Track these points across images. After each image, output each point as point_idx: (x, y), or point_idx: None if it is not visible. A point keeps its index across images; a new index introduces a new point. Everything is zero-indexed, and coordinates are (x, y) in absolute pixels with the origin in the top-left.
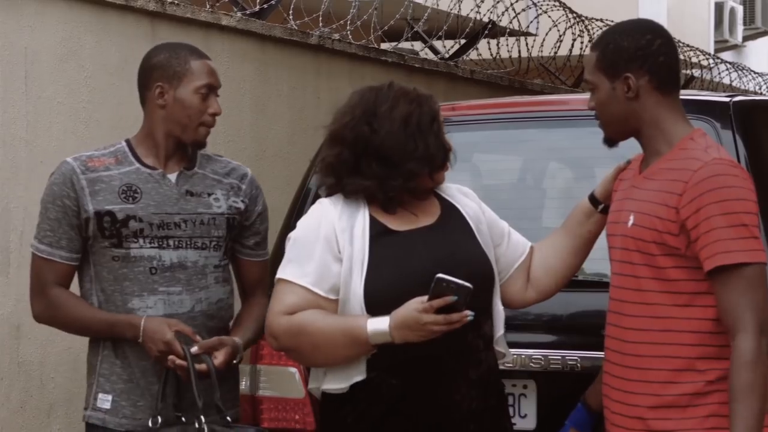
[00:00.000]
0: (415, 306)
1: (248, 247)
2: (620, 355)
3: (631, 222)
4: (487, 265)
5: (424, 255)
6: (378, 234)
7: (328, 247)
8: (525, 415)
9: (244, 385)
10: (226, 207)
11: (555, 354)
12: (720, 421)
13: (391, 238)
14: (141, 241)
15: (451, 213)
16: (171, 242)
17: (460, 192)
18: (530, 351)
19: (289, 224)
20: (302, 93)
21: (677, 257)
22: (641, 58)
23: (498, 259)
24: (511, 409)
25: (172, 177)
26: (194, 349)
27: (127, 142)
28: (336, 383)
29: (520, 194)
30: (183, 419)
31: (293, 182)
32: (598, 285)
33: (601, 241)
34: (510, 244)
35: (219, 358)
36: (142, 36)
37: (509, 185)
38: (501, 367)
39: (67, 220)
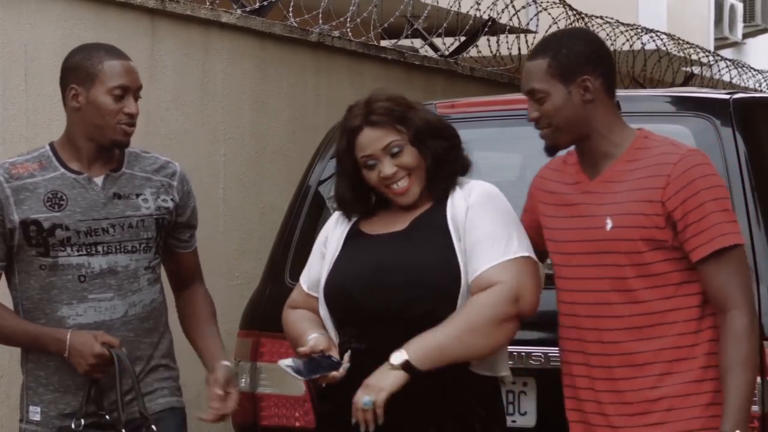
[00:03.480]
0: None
1: (184, 240)
2: (605, 357)
3: (609, 226)
4: (440, 276)
5: (368, 259)
6: (350, 236)
7: (319, 253)
8: (525, 412)
9: (243, 382)
10: (155, 207)
11: (554, 351)
12: (718, 409)
13: (359, 241)
14: (69, 249)
15: (430, 218)
16: (100, 248)
17: (465, 189)
18: (530, 348)
19: (289, 221)
20: (302, 90)
21: (665, 250)
22: (596, 61)
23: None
24: (510, 407)
25: (99, 180)
26: (217, 391)
27: (51, 145)
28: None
29: (519, 191)
30: (107, 417)
31: (293, 180)
32: None
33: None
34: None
35: (232, 398)
36: (142, 33)
37: (508, 182)
38: None
39: None
